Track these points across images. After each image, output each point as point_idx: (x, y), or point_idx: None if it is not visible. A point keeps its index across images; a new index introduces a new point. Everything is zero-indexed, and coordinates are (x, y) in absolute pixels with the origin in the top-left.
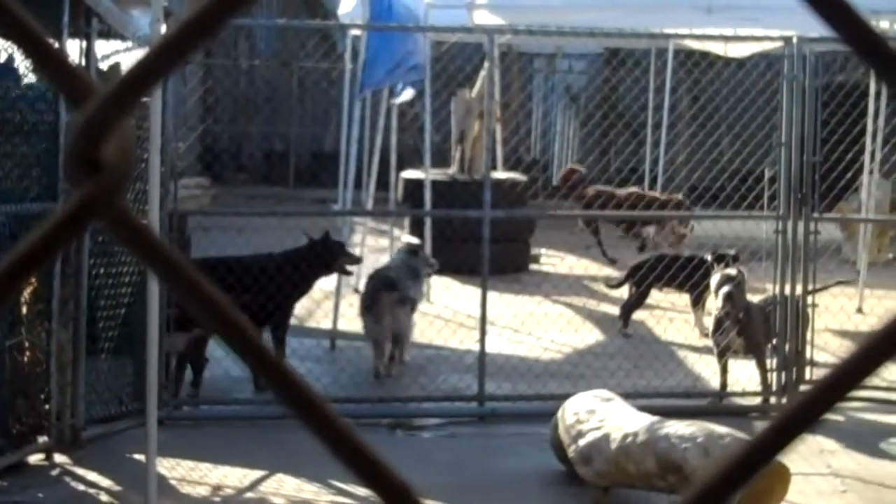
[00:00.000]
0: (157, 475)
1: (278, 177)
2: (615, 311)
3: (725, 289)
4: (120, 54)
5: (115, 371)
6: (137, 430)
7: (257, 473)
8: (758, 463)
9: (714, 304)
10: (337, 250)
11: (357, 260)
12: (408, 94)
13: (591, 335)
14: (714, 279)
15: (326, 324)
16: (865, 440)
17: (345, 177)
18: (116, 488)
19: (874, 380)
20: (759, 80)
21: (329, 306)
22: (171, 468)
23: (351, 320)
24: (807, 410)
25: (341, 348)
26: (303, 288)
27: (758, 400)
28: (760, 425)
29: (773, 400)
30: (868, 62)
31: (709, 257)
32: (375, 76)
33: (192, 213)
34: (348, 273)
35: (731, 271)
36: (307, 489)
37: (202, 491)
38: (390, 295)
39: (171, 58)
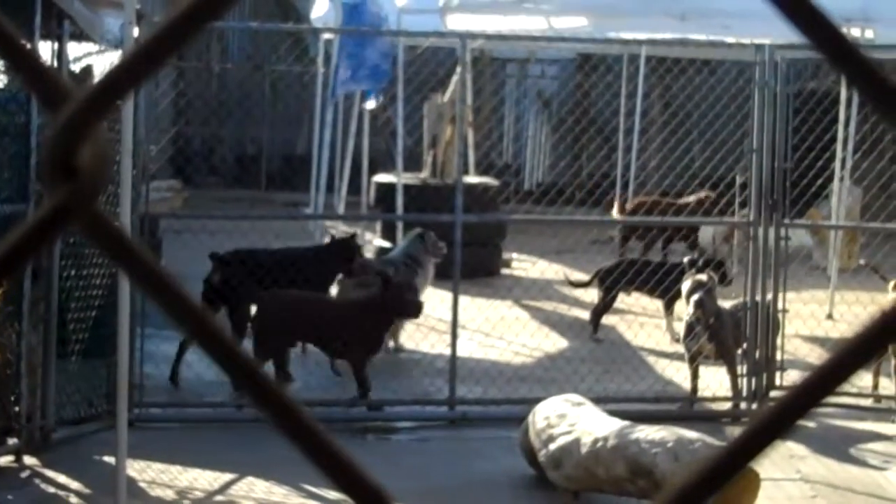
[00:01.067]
0: (126, 478)
1: (250, 180)
2: (586, 315)
3: (696, 295)
4: (92, 57)
5: (85, 373)
6: (108, 432)
7: (228, 476)
8: (731, 469)
9: (685, 309)
10: (357, 250)
11: (366, 265)
12: (372, 102)
13: (561, 339)
14: (685, 285)
15: None
16: (835, 446)
17: (317, 180)
18: (86, 491)
19: (844, 386)
20: (731, 87)
21: None
22: (142, 471)
23: None
24: (780, 417)
25: (312, 352)
26: (325, 284)
27: (728, 405)
28: (730, 430)
29: (743, 405)
30: (840, 69)
31: (685, 260)
32: (344, 82)
33: (163, 215)
34: (355, 276)
35: (702, 277)
36: (277, 492)
37: (172, 494)
38: None
39: (148, 62)
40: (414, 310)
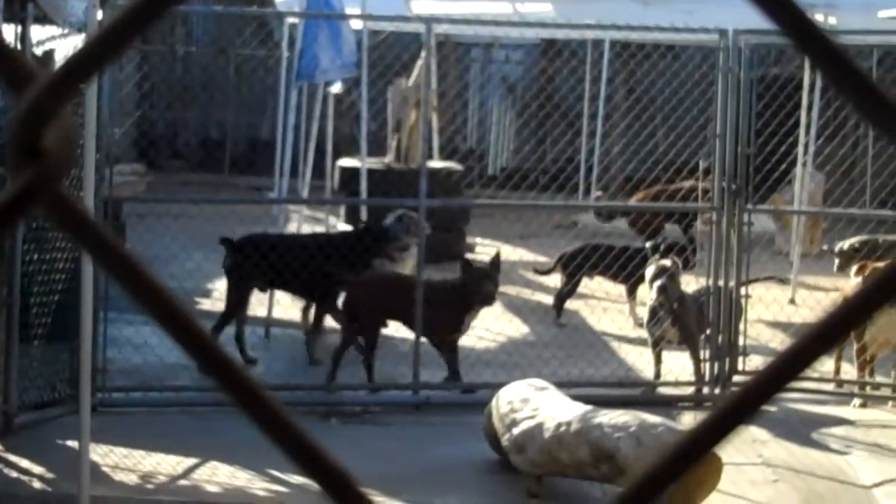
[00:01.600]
0: (90, 462)
1: (214, 164)
2: (549, 300)
3: (659, 281)
4: (55, 40)
5: (48, 357)
6: (71, 416)
7: (191, 461)
8: (695, 454)
9: (648, 294)
10: (387, 236)
11: (405, 247)
12: (338, 86)
13: (525, 324)
14: (649, 270)
15: (261, 312)
16: (797, 430)
17: (281, 164)
18: (49, 475)
19: (806, 371)
20: (695, 72)
21: (264, 295)
22: (105, 455)
23: (286, 308)
24: (743, 403)
25: (276, 336)
26: (356, 268)
27: (691, 390)
28: (693, 415)
29: (706, 390)
30: (806, 54)
31: (648, 244)
32: (309, 69)
33: (126, 199)
34: (394, 260)
35: (666, 262)
36: (241, 476)
37: (135, 478)
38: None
39: (112, 46)
40: (487, 298)
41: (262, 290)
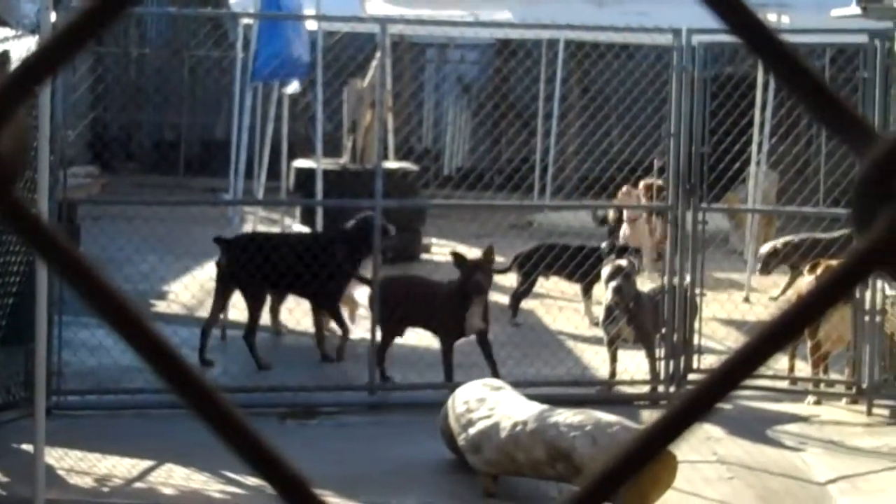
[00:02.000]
0: (45, 465)
1: (168, 166)
2: (505, 300)
3: (615, 281)
4: (8, 42)
5: (2, 361)
6: (26, 420)
7: (146, 463)
8: (650, 453)
9: (604, 293)
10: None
11: (391, 247)
12: (293, 86)
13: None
14: (605, 269)
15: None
16: (751, 428)
17: (235, 166)
18: (4, 479)
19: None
20: (649, 72)
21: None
22: (60, 458)
23: (242, 310)
24: (698, 401)
25: (232, 338)
26: (353, 264)
27: (646, 388)
28: (649, 414)
29: (661, 388)
30: (757, 54)
31: (603, 245)
32: (264, 70)
33: (81, 201)
34: (389, 259)
35: (622, 262)
36: (196, 479)
37: (91, 481)
38: None
39: (68, 48)
40: (477, 288)
41: (257, 291)
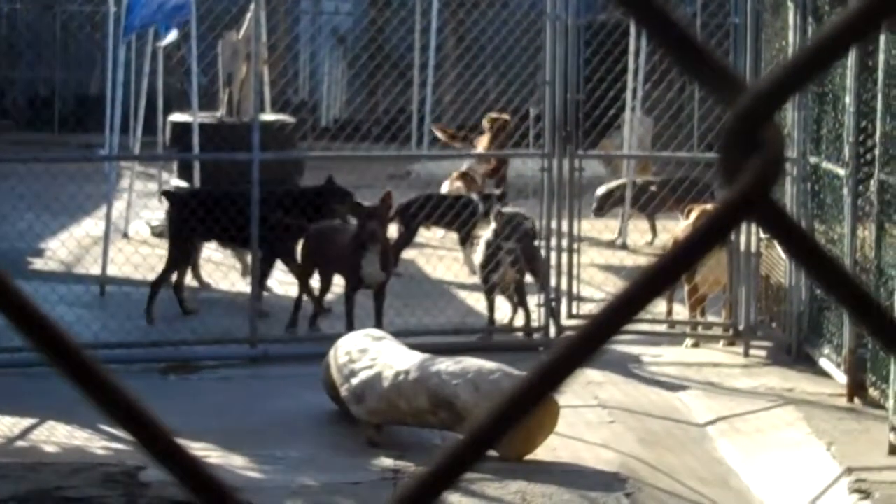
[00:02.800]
0: None
1: (43, 122)
2: None
3: (508, 231)
4: None
5: None
6: None
7: (28, 421)
8: (532, 399)
9: (482, 241)
10: (343, 197)
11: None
12: (172, 35)
13: None
14: (496, 217)
15: (96, 270)
16: (631, 372)
17: (111, 121)
18: None
19: (639, 314)
20: (523, 20)
21: (98, 252)
22: None
23: (121, 266)
24: (578, 347)
25: (111, 294)
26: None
27: (525, 336)
28: (529, 359)
29: (540, 335)
30: (624, 5)
31: (475, 196)
32: (137, 19)
33: None
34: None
35: (509, 210)
36: (79, 436)
37: None
38: None
39: None
40: (371, 236)
41: (205, 242)
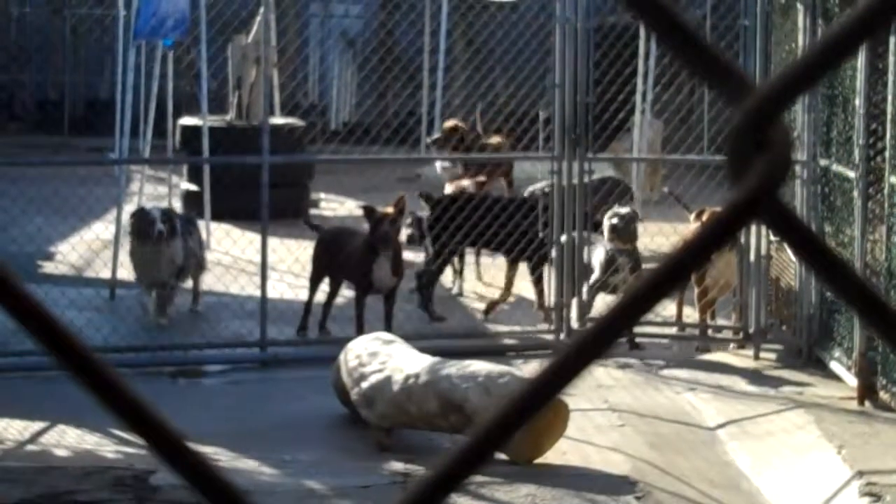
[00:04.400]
0: None
1: (53, 126)
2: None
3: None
4: None
5: None
6: None
7: (38, 425)
8: (540, 401)
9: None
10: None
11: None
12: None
13: None
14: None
15: (106, 273)
16: (641, 375)
17: (121, 125)
18: None
19: (649, 315)
20: (533, 23)
21: (108, 255)
22: None
23: (131, 269)
24: (586, 349)
25: (121, 297)
26: None
27: (538, 339)
28: (540, 363)
29: (551, 337)
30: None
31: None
32: (146, 28)
33: None
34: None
35: (626, 210)
36: (89, 439)
37: None
38: None
39: None
40: (382, 239)
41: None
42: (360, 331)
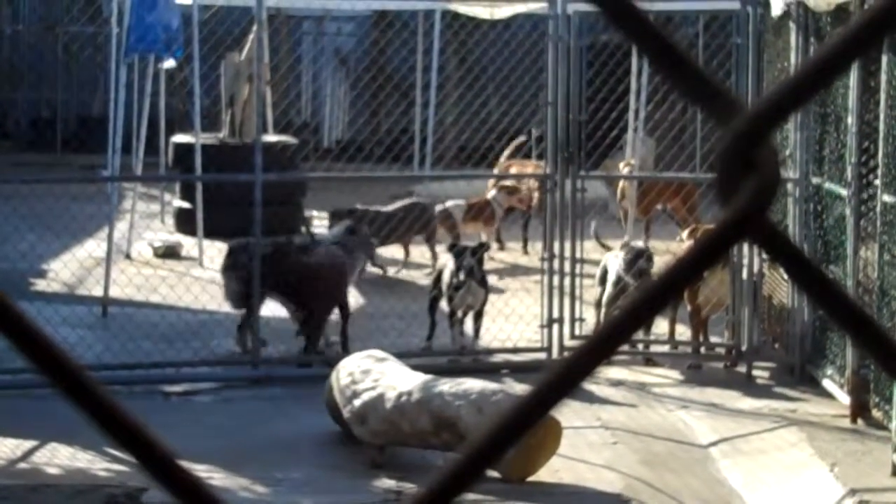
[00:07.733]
0: None
1: (46, 143)
2: (379, 270)
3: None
4: None
5: None
6: None
7: (30, 443)
8: (531, 418)
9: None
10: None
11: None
12: (170, 62)
13: (363, 296)
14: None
15: (98, 291)
16: (633, 392)
17: (113, 142)
18: None
19: (640, 333)
20: (525, 41)
21: (100, 273)
22: None
23: (123, 287)
24: (576, 367)
25: (113, 315)
26: None
27: (530, 356)
28: (533, 381)
29: (544, 356)
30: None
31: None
32: (138, 46)
33: None
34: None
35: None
36: (82, 458)
37: None
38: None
39: None
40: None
41: None
42: (346, 350)
